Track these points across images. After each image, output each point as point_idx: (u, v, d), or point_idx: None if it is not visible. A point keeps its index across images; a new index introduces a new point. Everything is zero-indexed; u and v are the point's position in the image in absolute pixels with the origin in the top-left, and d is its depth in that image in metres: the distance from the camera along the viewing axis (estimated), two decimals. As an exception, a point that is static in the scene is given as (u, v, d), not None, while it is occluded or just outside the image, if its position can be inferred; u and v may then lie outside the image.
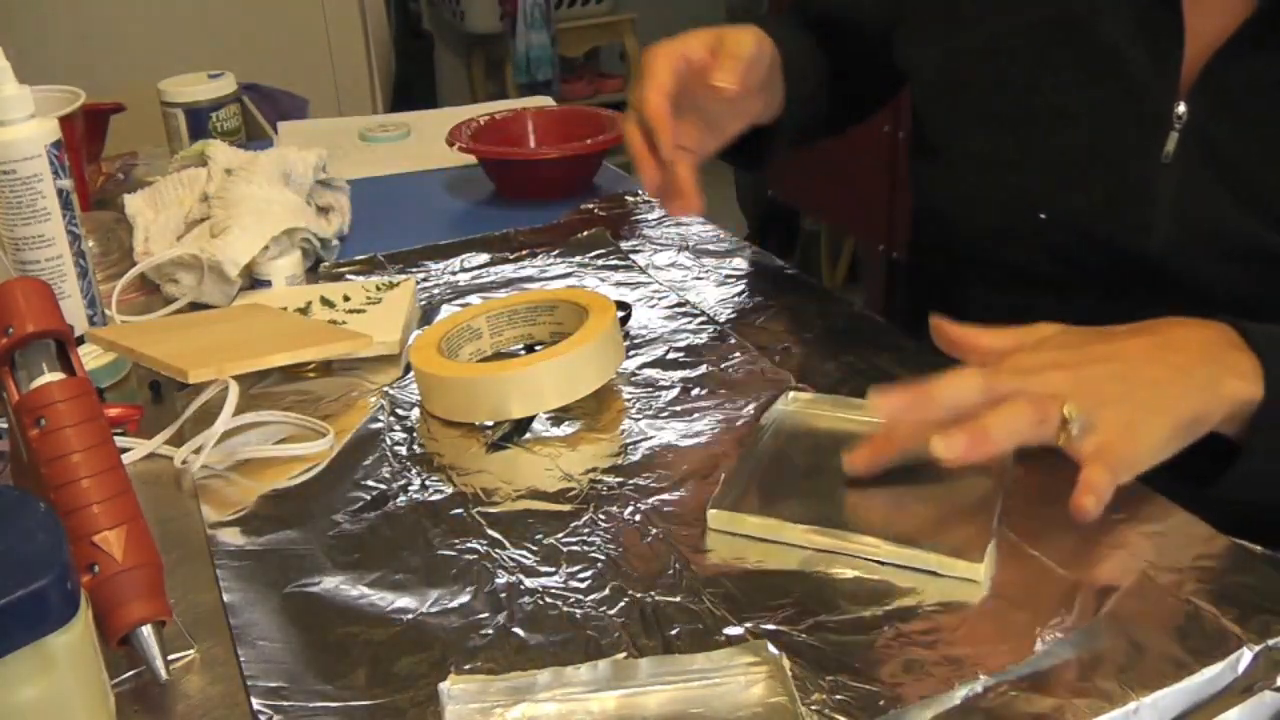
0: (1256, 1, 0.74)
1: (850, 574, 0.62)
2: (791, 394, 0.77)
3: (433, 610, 0.61)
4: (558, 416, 0.78)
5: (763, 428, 0.74)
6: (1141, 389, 0.64)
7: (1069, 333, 0.69)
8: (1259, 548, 0.62)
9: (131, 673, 0.57)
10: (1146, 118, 0.78)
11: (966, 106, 0.87)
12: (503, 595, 0.61)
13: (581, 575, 0.63)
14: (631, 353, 0.86)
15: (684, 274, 1.01)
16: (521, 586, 0.62)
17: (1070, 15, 0.79)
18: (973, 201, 0.87)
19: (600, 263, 1.04)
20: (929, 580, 0.61)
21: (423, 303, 0.98)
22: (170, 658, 0.57)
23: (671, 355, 0.86)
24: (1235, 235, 0.78)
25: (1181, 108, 0.76)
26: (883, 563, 0.62)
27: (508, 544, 0.66)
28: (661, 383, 0.82)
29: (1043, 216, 0.82)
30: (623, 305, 0.93)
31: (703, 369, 0.84)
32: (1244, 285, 0.78)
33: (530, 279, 1.01)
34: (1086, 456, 0.63)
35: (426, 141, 1.43)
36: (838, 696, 0.53)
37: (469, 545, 0.66)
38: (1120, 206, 0.80)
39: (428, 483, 0.72)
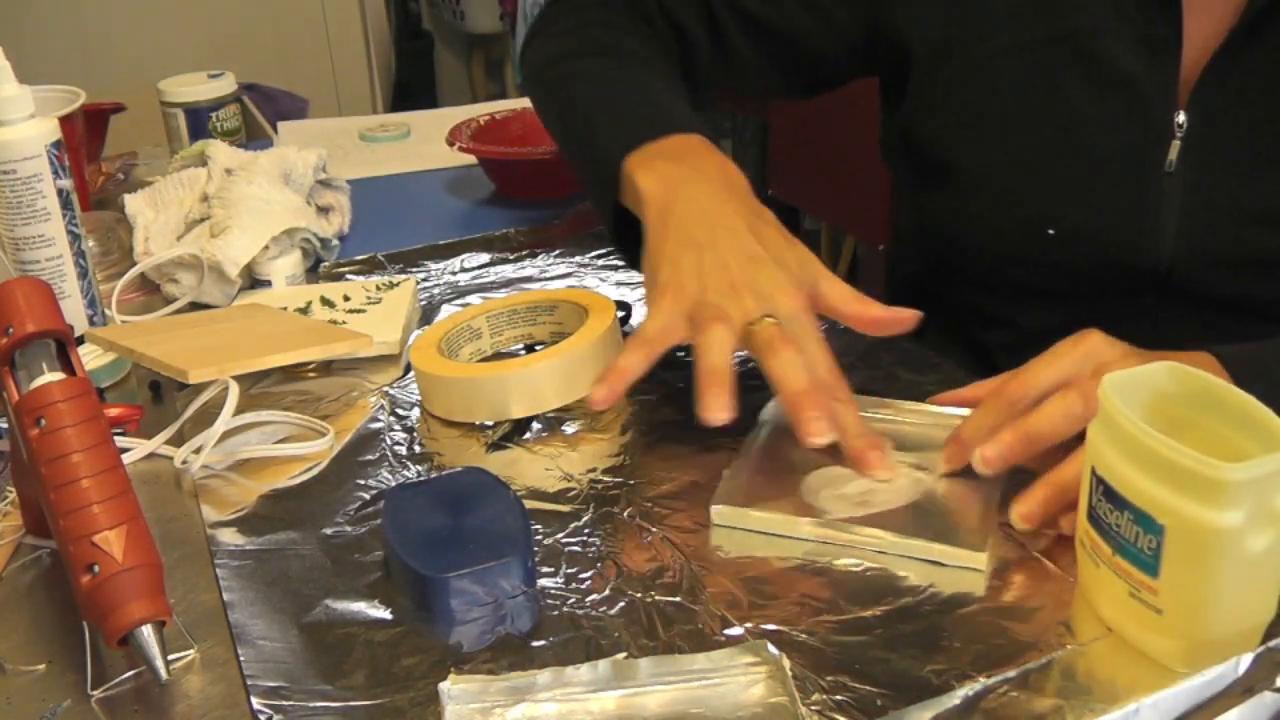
0: (1244, 6, 0.74)
1: (852, 571, 0.62)
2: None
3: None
4: (558, 416, 0.78)
5: (761, 423, 0.74)
6: None
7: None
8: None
9: (131, 673, 0.57)
10: (1149, 129, 0.78)
11: (969, 125, 0.86)
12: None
13: (581, 575, 0.63)
14: (631, 353, 0.86)
15: (684, 274, 1.00)
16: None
17: (1073, 33, 0.79)
18: (979, 220, 0.86)
19: (600, 263, 1.04)
20: (930, 580, 0.61)
21: (423, 303, 0.97)
22: (170, 658, 0.56)
23: (671, 355, 0.86)
24: (1243, 240, 0.77)
25: (1181, 117, 0.77)
26: (885, 554, 0.62)
27: (508, 544, 0.66)
28: (662, 383, 0.82)
29: (1050, 232, 0.82)
30: (623, 305, 0.93)
31: (703, 369, 0.84)
32: (1255, 291, 0.78)
33: (530, 279, 1.01)
34: None
35: (426, 141, 1.43)
36: (838, 696, 0.53)
37: (469, 545, 0.66)
38: (1127, 218, 0.80)
39: (428, 483, 0.72)
